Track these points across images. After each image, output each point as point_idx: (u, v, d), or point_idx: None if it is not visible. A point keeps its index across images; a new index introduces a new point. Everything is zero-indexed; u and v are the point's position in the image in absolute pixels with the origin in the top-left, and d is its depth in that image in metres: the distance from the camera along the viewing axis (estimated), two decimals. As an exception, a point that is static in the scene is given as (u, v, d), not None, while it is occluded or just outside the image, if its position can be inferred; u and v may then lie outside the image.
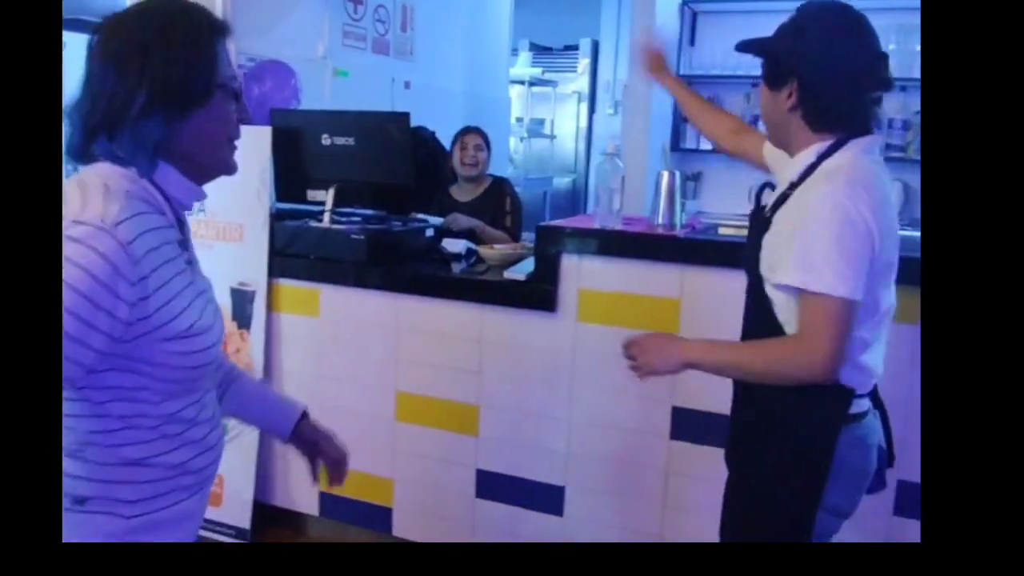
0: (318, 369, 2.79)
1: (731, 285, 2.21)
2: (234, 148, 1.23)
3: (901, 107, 4.61)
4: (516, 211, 3.61)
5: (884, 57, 1.52)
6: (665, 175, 2.37)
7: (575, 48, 7.31)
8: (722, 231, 2.80)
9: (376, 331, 2.68)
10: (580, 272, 2.39)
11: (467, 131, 3.59)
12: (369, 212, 2.91)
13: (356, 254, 2.66)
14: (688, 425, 2.33)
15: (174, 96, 1.11)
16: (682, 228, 2.40)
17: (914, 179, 4.64)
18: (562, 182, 7.29)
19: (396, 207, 2.91)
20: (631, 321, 2.33)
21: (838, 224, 1.37)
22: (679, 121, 4.98)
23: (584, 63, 7.26)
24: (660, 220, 2.37)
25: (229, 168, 1.24)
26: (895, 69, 4.50)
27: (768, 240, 1.53)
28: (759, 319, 1.58)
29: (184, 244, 1.23)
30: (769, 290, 1.53)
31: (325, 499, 2.85)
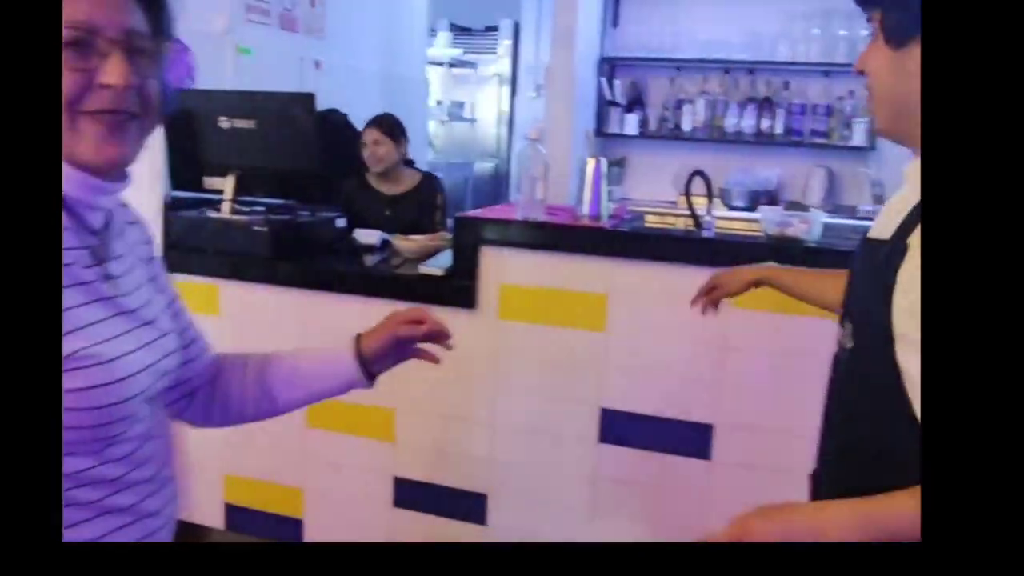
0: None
1: (662, 280, 2.10)
2: (91, 121, 0.90)
3: (824, 92, 4.59)
4: (445, 208, 3.48)
5: None
6: (591, 162, 2.24)
7: (495, 29, 7.12)
8: (649, 220, 2.69)
9: (282, 330, 2.48)
10: (502, 266, 2.23)
11: (366, 126, 3.41)
12: (274, 201, 2.69)
13: (259, 247, 2.44)
14: (617, 427, 2.20)
15: None
16: (609, 219, 2.27)
17: (837, 165, 4.64)
18: (484, 167, 7.11)
19: (303, 196, 2.70)
20: (556, 318, 2.19)
21: None
22: (603, 105, 4.87)
23: (505, 45, 7.08)
24: (586, 210, 2.23)
25: (82, 154, 0.90)
26: (819, 54, 4.53)
27: (909, 277, 1.00)
28: (871, 397, 1.08)
29: (99, 253, 0.96)
30: (904, 355, 1.00)
31: (231, 511, 2.64)
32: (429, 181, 3.52)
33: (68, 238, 0.91)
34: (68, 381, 0.86)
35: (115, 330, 0.94)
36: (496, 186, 7.26)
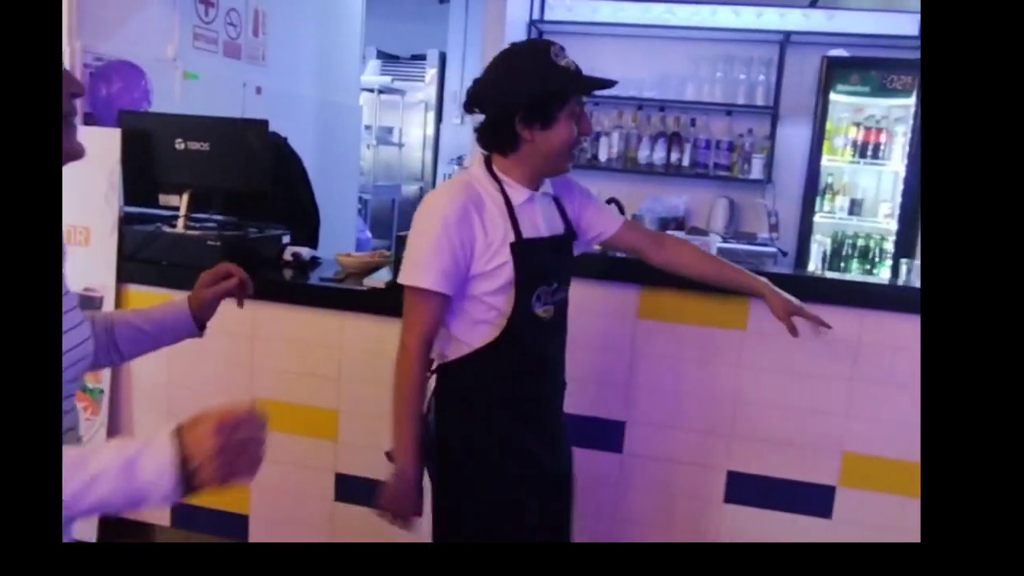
0: (168, 377, 2.74)
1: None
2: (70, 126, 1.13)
3: (726, 130, 5.00)
4: None
5: None
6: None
7: (423, 58, 7.41)
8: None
9: (231, 338, 2.67)
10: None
11: None
12: (223, 218, 2.89)
13: (211, 260, 2.60)
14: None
15: None
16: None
17: (738, 196, 5.06)
18: (410, 189, 7.36)
19: (250, 214, 2.90)
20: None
21: None
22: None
23: (431, 73, 7.37)
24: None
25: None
26: (722, 95, 4.93)
27: None
28: None
29: None
30: None
31: (177, 508, 2.79)
32: None
33: None
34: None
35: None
36: (421, 208, 7.51)
